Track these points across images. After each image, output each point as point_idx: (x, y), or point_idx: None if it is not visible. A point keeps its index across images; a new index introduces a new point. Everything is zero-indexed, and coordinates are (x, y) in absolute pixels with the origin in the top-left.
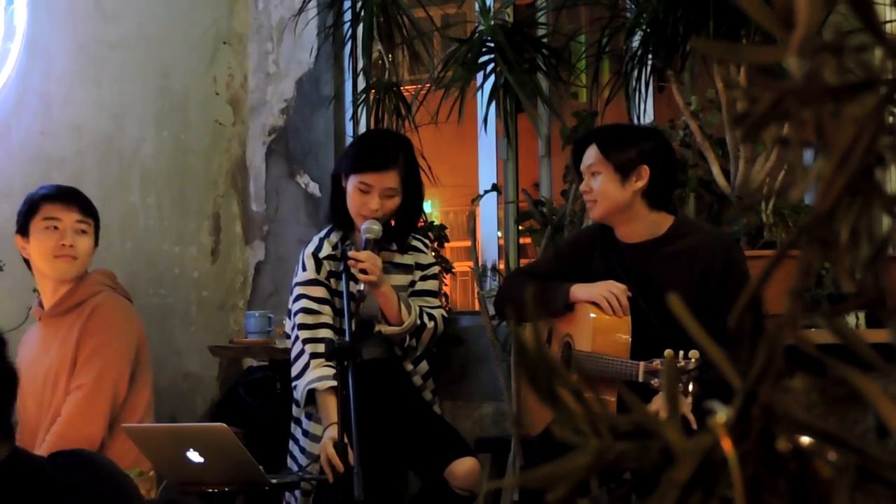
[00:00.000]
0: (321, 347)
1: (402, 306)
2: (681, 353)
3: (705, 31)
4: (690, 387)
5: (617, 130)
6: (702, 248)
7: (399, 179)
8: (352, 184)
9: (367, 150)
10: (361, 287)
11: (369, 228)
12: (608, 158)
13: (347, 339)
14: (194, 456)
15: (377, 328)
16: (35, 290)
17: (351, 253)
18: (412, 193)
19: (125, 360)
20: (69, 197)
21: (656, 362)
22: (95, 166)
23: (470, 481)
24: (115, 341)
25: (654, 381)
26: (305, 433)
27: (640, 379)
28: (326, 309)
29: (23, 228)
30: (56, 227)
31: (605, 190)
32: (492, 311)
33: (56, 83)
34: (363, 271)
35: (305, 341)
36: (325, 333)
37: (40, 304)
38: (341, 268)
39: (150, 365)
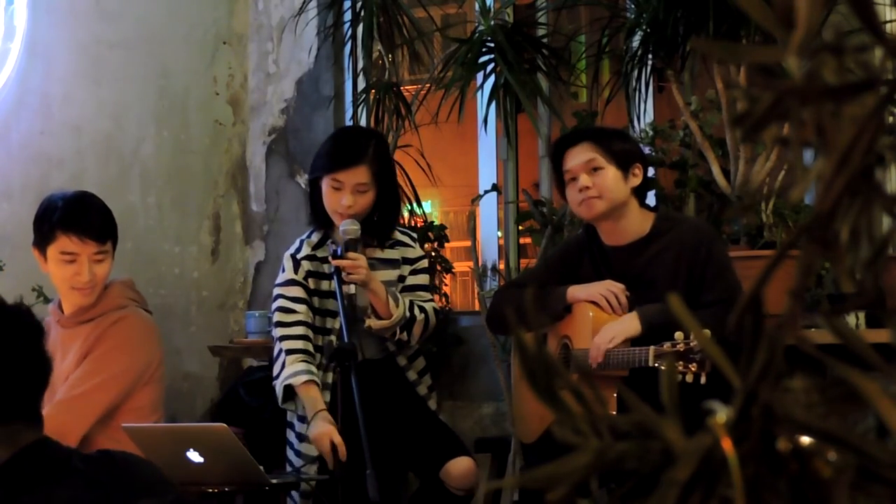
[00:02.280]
0: (297, 344)
1: (390, 300)
2: (691, 333)
3: (705, 31)
4: (706, 364)
5: (606, 130)
6: (685, 241)
7: (370, 174)
8: (325, 183)
9: (335, 148)
10: (352, 290)
11: (347, 230)
12: (611, 154)
13: (346, 340)
14: (194, 456)
15: (367, 323)
16: (34, 290)
17: (334, 262)
18: (387, 187)
19: (127, 381)
20: (84, 227)
21: (667, 345)
22: (95, 166)
23: (466, 481)
24: (124, 359)
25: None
26: (300, 436)
27: (651, 363)
28: (302, 308)
29: (39, 246)
30: (73, 261)
31: (610, 184)
32: None
33: (56, 83)
34: (348, 272)
35: (281, 338)
36: (301, 330)
37: (60, 307)
38: (329, 269)
39: (160, 383)
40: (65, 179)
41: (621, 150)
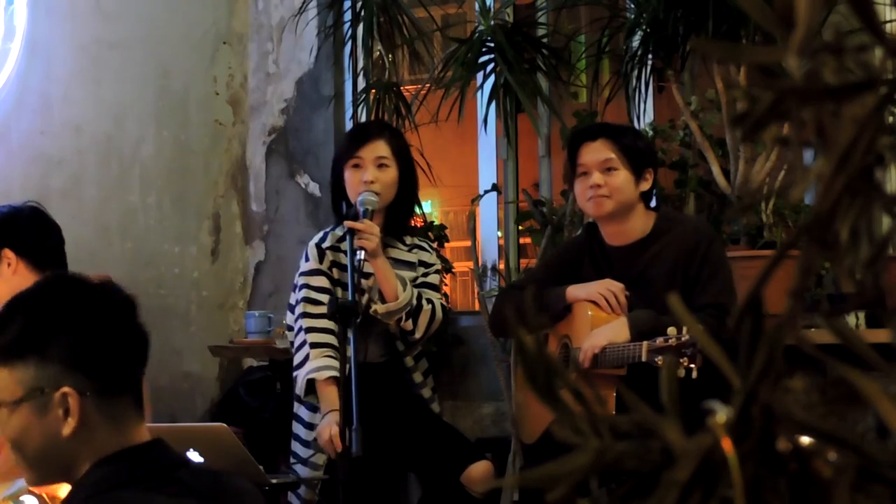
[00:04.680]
0: (323, 337)
1: (398, 283)
2: (684, 328)
3: (705, 31)
4: (697, 359)
5: (625, 130)
6: (684, 241)
7: (389, 149)
8: (347, 170)
9: (353, 132)
10: (361, 256)
11: (366, 200)
12: (627, 156)
13: (350, 299)
14: (194, 456)
15: (373, 308)
16: None
17: (347, 224)
18: (406, 167)
19: None
20: None
21: (659, 340)
22: (95, 166)
23: (488, 484)
24: None
25: (658, 359)
26: (309, 426)
27: (644, 358)
28: (328, 298)
29: None
30: None
31: (622, 186)
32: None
33: (56, 83)
34: (359, 236)
35: (307, 330)
36: (327, 323)
37: None
38: (355, 261)
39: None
40: (65, 179)
41: (638, 154)
